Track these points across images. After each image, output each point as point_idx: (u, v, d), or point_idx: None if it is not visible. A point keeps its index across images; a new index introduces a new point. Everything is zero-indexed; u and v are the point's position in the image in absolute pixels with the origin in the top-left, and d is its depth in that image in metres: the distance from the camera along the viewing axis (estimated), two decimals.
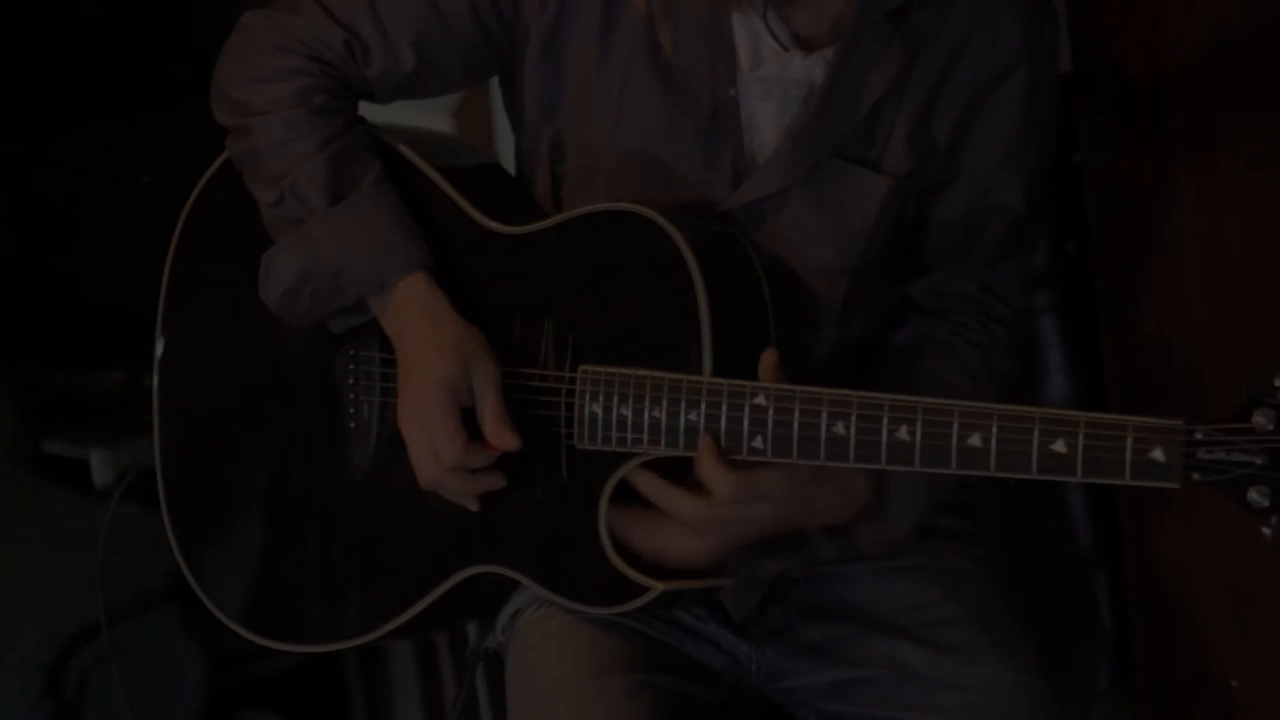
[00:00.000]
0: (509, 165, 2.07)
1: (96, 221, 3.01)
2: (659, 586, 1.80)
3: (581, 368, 1.81)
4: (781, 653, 1.95)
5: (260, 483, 1.99)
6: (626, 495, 1.81)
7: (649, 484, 1.78)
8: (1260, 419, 1.57)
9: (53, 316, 2.99)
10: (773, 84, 1.87)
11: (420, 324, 1.85)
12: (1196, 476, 1.59)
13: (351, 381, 1.94)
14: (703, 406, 1.75)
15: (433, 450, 1.83)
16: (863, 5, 1.85)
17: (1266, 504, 1.57)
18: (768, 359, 1.74)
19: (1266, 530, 1.58)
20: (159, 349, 2.04)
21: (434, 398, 1.82)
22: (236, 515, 2.01)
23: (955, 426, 1.66)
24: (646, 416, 1.77)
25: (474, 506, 1.86)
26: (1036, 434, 1.64)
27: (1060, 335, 2.34)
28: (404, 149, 1.94)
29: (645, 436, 1.78)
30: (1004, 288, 1.96)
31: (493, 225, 1.89)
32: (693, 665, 1.94)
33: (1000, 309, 1.96)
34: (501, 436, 1.82)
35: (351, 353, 1.94)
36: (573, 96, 1.90)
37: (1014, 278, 1.97)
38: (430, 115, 2.50)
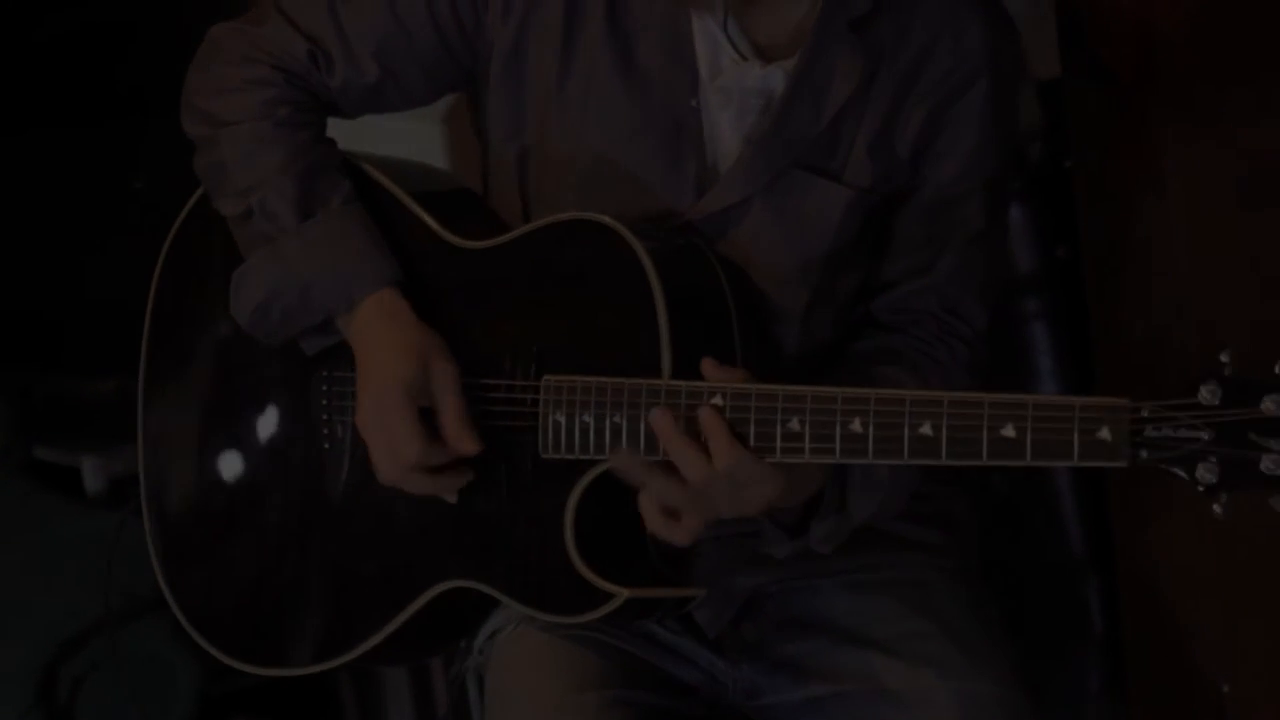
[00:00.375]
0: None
1: (89, 228, 3.01)
2: (624, 593, 1.80)
3: (545, 378, 1.81)
4: (757, 669, 1.95)
5: (238, 505, 1.99)
6: (591, 504, 1.81)
7: (631, 464, 1.78)
8: (1206, 393, 1.56)
9: (45, 323, 2.99)
10: (731, 93, 1.88)
11: (381, 330, 1.85)
12: (1145, 455, 1.59)
13: (325, 402, 1.95)
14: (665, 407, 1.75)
15: (390, 449, 1.83)
16: (824, 14, 1.86)
17: (1215, 480, 1.57)
18: (706, 364, 1.75)
19: (1217, 508, 1.57)
20: (142, 371, 2.04)
21: (392, 398, 1.82)
22: (216, 538, 2.00)
23: (907, 416, 1.67)
24: (609, 423, 1.78)
25: (452, 498, 1.86)
26: (986, 419, 1.64)
27: (1051, 340, 2.35)
28: (370, 169, 1.95)
29: (608, 442, 1.78)
30: (966, 308, 1.95)
31: (458, 241, 1.90)
32: (669, 681, 1.94)
33: (963, 329, 1.95)
34: (460, 438, 1.82)
35: (325, 374, 1.94)
36: (536, 111, 1.91)
37: (977, 298, 1.96)
38: (419, 123, 2.49)
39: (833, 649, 1.93)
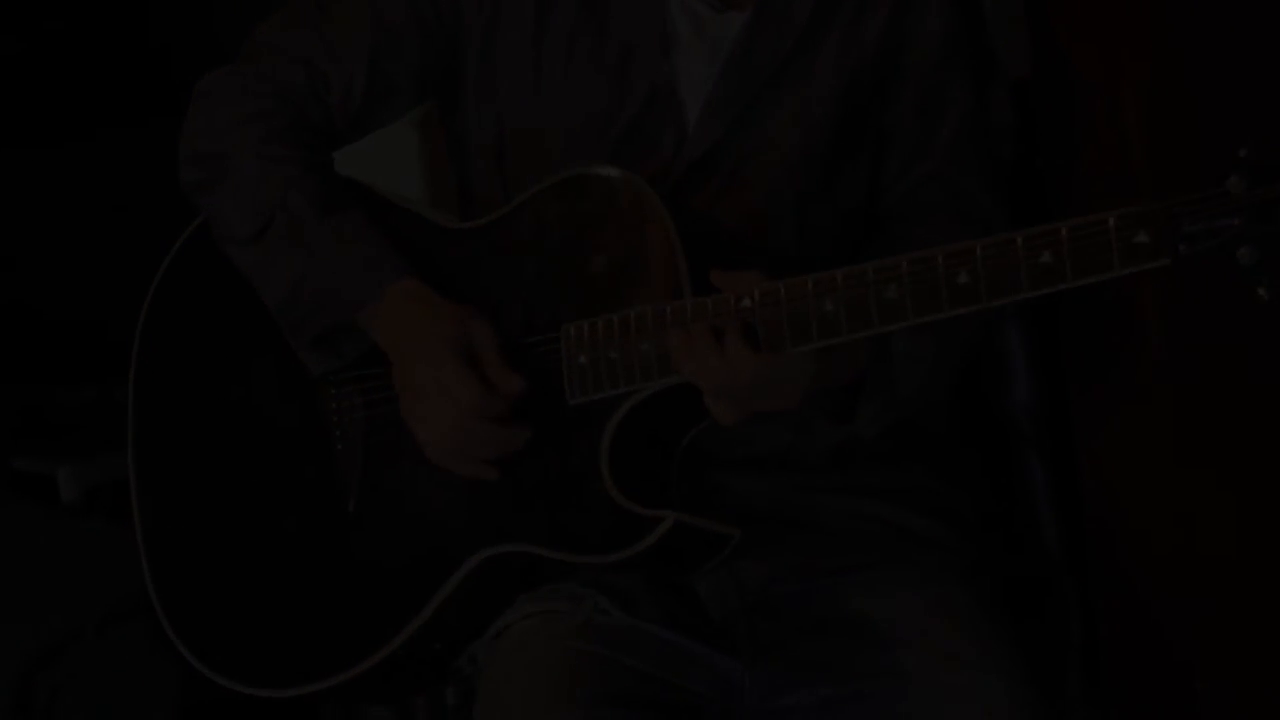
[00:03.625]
0: None
1: (66, 237, 3.02)
2: (670, 516, 1.80)
3: (563, 325, 1.83)
4: (774, 670, 1.94)
5: (242, 514, 2.00)
6: (625, 440, 1.82)
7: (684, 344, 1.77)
8: (1234, 183, 1.60)
9: (21, 332, 2.99)
10: (706, 44, 1.91)
11: (414, 311, 1.87)
12: (1183, 249, 1.61)
13: (334, 405, 1.95)
14: (689, 327, 1.76)
15: (451, 397, 1.84)
16: None
17: (1255, 262, 1.60)
18: (715, 275, 1.76)
19: (1262, 291, 1.61)
20: (133, 383, 2.05)
21: (441, 356, 1.83)
22: (217, 550, 2.01)
23: (941, 269, 1.68)
24: (636, 353, 1.79)
25: (493, 474, 1.86)
26: (1022, 252, 1.65)
27: (1024, 340, 2.35)
28: (360, 181, 1.98)
29: (638, 373, 1.79)
30: (974, 197, 1.98)
31: (456, 225, 1.93)
32: (679, 696, 1.92)
33: (975, 211, 1.97)
34: (506, 380, 1.83)
35: (332, 376, 1.94)
36: (514, 94, 1.94)
37: (983, 185, 1.99)
38: (394, 127, 2.50)
39: (850, 649, 1.93)
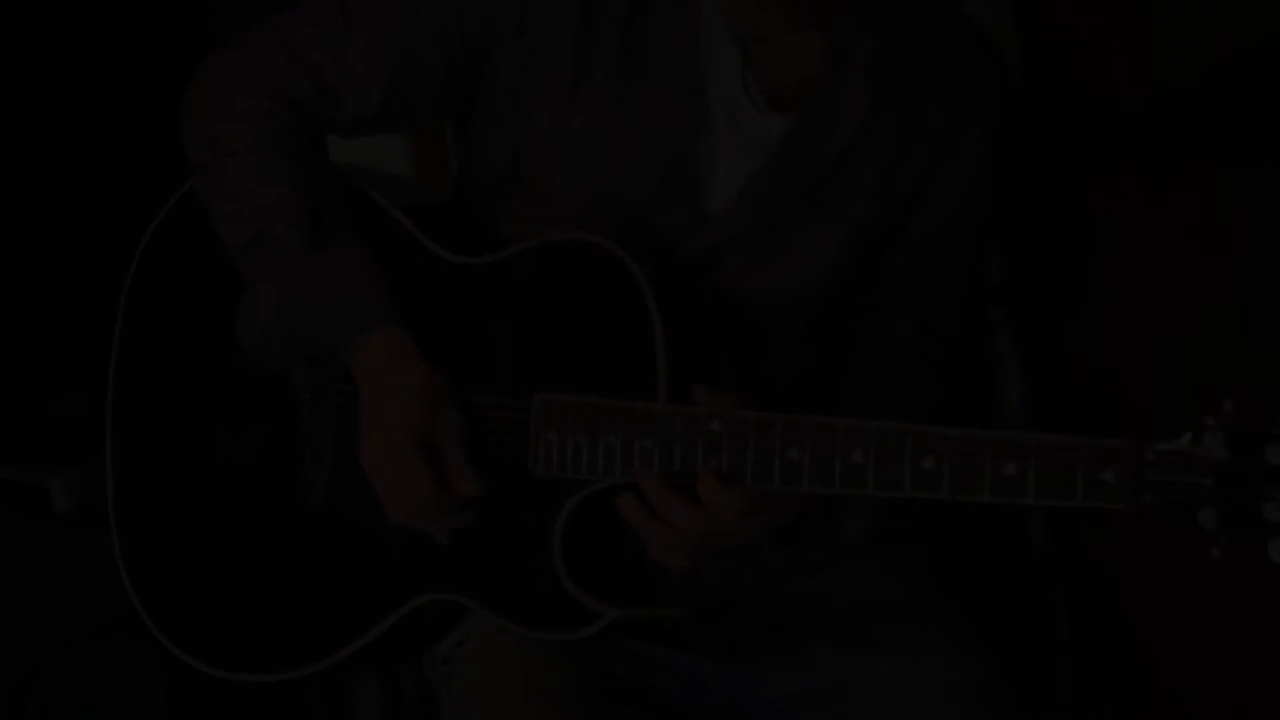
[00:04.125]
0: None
1: (56, 241, 3.01)
2: (611, 612, 1.81)
3: (537, 396, 1.82)
4: (736, 665, 1.96)
5: (215, 510, 2.00)
6: (579, 522, 1.82)
7: (654, 488, 1.77)
8: (1210, 441, 1.57)
9: (10, 340, 2.98)
10: (739, 138, 1.88)
11: (390, 370, 1.86)
12: (1148, 498, 1.60)
13: (307, 413, 1.95)
14: (657, 434, 1.76)
15: (401, 493, 1.84)
16: (836, 55, 1.87)
17: (1214, 526, 1.58)
18: (698, 390, 1.75)
19: (1215, 551, 1.58)
20: (112, 383, 2.05)
21: (401, 445, 1.82)
22: (190, 543, 2.01)
23: (908, 449, 1.68)
24: (601, 444, 1.79)
25: (443, 539, 1.87)
26: (990, 457, 1.65)
27: (1015, 347, 2.37)
28: (366, 189, 1.95)
29: (600, 464, 1.79)
30: (942, 322, 1.97)
31: (453, 257, 1.90)
32: (647, 694, 1.94)
33: (935, 350, 1.97)
34: (464, 483, 1.83)
35: (307, 389, 1.95)
36: (532, 140, 1.90)
37: (955, 309, 1.98)
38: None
39: (811, 643, 1.94)
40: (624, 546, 1.85)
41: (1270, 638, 2.18)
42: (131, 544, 2.03)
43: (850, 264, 1.93)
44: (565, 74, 1.88)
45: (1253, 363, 2.12)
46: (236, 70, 1.93)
